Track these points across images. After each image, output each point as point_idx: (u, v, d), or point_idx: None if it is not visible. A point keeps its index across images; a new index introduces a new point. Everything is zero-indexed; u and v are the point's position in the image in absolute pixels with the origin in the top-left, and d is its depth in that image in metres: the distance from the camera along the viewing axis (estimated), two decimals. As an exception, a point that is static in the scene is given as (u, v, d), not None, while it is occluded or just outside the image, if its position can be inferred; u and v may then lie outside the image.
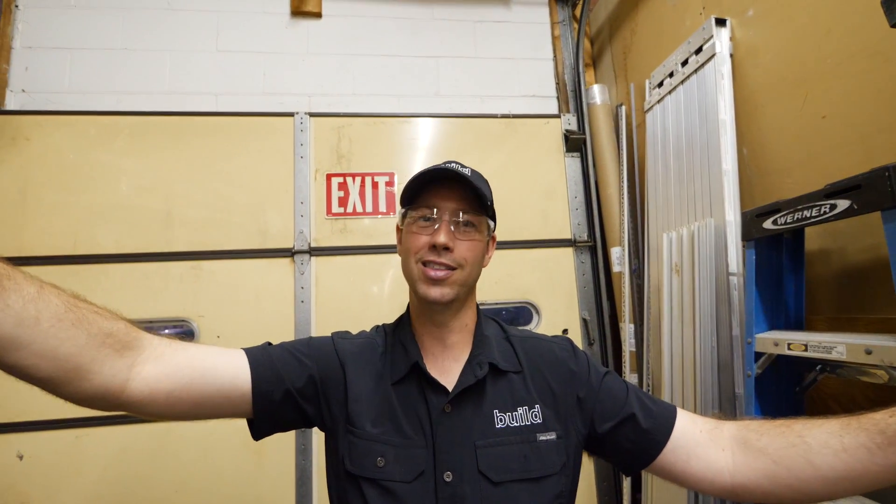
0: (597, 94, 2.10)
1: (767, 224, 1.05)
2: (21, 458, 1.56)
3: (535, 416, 0.71)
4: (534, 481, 0.68)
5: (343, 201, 1.88)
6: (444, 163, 0.75)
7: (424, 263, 0.70)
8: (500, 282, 1.93)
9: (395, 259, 1.93)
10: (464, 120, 2.05)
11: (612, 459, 0.76)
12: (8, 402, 1.57)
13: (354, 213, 1.88)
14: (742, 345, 1.19)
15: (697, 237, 1.33)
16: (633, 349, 1.79)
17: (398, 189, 1.94)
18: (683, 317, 1.36)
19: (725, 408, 1.23)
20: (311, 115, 1.93)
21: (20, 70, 1.83)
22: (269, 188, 1.85)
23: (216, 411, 0.65)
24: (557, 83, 2.25)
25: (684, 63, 1.53)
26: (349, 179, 1.90)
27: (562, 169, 2.10)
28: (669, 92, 1.59)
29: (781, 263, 1.11)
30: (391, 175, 1.94)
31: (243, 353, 0.68)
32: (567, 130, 2.10)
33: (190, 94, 1.92)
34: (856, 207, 0.85)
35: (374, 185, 1.91)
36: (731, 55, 1.40)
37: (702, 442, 0.68)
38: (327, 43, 2.08)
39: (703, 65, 1.44)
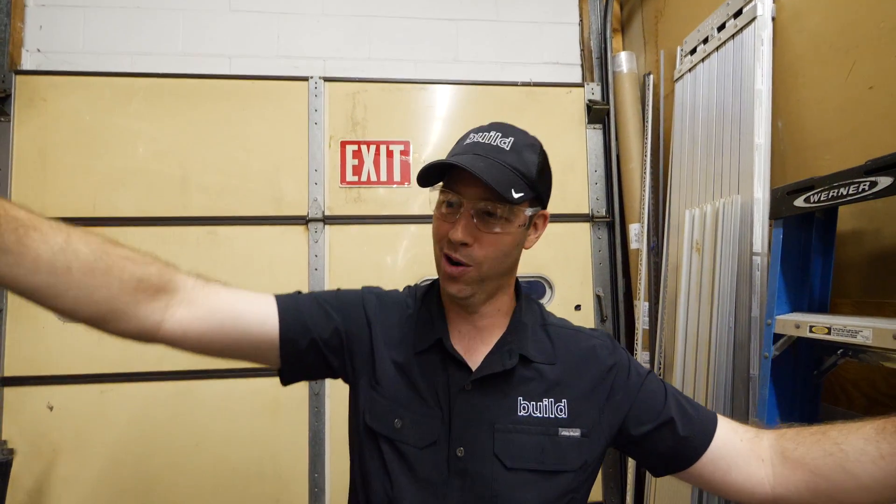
0: (623, 61, 2.00)
1: (799, 202, 1.00)
2: (51, 408, 1.64)
3: (561, 411, 0.68)
4: (547, 474, 0.65)
5: (357, 170, 1.85)
6: (487, 128, 0.68)
7: (445, 254, 0.66)
8: (513, 255, 1.91)
9: (409, 230, 1.92)
10: (482, 87, 1.98)
11: (643, 461, 0.73)
12: (39, 356, 1.64)
13: (369, 181, 1.85)
14: (761, 326, 1.16)
15: (722, 214, 1.27)
16: (647, 327, 1.77)
17: (413, 158, 1.91)
18: (701, 296, 1.32)
19: (738, 389, 1.21)
20: (326, 79, 1.89)
21: (35, 29, 1.81)
22: (283, 154, 1.83)
23: (245, 355, 0.66)
24: (582, 50, 2.14)
25: (721, 28, 1.44)
26: (364, 147, 1.87)
27: (583, 141, 2.03)
28: (703, 59, 1.50)
29: (810, 244, 1.06)
30: (406, 144, 1.90)
31: (273, 299, 0.67)
32: (590, 100, 2.02)
33: (203, 55, 1.88)
34: (899, 186, 0.80)
35: (389, 154, 1.87)
36: (774, 18, 1.31)
37: (743, 453, 0.65)
38: (343, 3, 2.01)
39: (741, 29, 1.34)
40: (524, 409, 0.67)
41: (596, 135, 2.03)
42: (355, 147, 1.86)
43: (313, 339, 0.68)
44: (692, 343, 1.35)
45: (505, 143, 0.67)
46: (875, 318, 0.88)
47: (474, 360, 0.69)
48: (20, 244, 0.46)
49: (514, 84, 2.00)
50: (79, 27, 1.83)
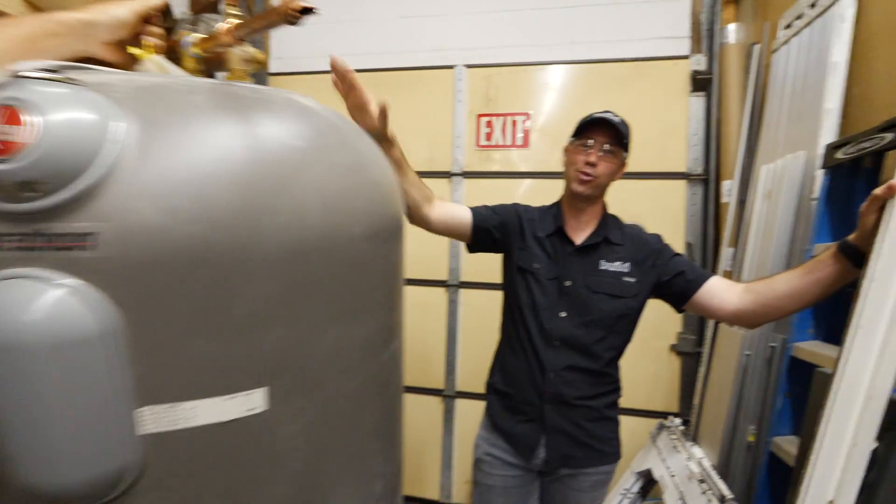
0: (731, 33, 2.19)
1: (839, 154, 1.29)
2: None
3: (625, 268, 1.23)
4: (615, 297, 1.21)
5: (489, 136, 2.41)
6: (604, 112, 1.23)
7: (579, 171, 1.22)
8: (610, 207, 2.31)
9: (526, 182, 2.43)
10: (593, 65, 2.35)
11: (670, 299, 1.24)
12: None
13: (497, 145, 2.41)
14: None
15: (789, 166, 1.55)
16: (729, 269, 2.06)
17: (531, 126, 2.39)
18: (765, 235, 1.62)
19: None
20: (467, 66, 2.45)
21: (276, 41, 2.67)
22: (434, 125, 2.46)
23: (457, 235, 1.31)
24: (692, 23, 2.36)
25: (812, 5, 1.64)
26: (494, 119, 2.41)
27: (684, 108, 2.30)
28: (795, 33, 1.71)
29: (853, 188, 1.33)
30: (527, 115, 2.39)
31: (470, 209, 1.31)
32: (694, 71, 2.26)
33: (381, 53, 2.56)
34: (897, 139, 1.09)
35: (514, 124, 2.39)
36: (860, -3, 1.49)
37: (723, 289, 1.14)
38: (481, 2, 2.51)
39: (829, 7, 1.55)
40: (603, 265, 1.23)
41: (698, 102, 2.28)
42: (488, 119, 2.41)
43: (487, 228, 1.30)
44: (753, 275, 1.67)
45: (616, 119, 1.22)
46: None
47: (578, 238, 1.26)
48: (403, 172, 1.11)
49: (623, 60, 2.33)
50: (302, 37, 2.64)
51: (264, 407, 0.62)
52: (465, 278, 2.45)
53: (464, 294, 2.45)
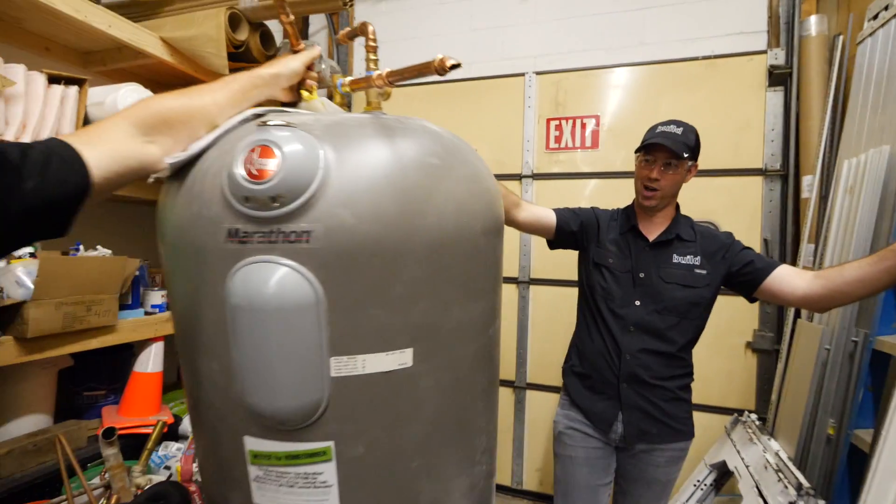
0: (812, 25, 2.15)
1: (927, 149, 1.29)
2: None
3: (696, 261, 1.33)
4: (686, 287, 1.31)
5: (558, 139, 2.53)
6: (667, 123, 1.33)
7: (644, 185, 1.35)
8: (683, 204, 2.34)
9: (593, 182, 2.52)
10: (664, 65, 2.39)
11: (741, 289, 1.33)
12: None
13: (566, 147, 2.51)
14: (895, 250, 1.45)
15: (872, 160, 1.54)
16: (809, 265, 2.03)
17: (600, 127, 2.48)
18: (846, 230, 1.62)
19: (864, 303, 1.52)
20: (537, 73, 2.58)
21: (358, 60, 2.95)
22: (504, 131, 2.62)
23: (541, 234, 1.48)
24: (769, 17, 2.33)
25: (902, -4, 1.61)
26: (563, 122, 2.52)
27: (761, 103, 2.28)
28: (882, 24, 1.68)
29: (943, 182, 1.33)
30: (597, 117, 2.48)
31: (553, 211, 1.47)
32: (772, 66, 2.24)
33: (454, 65, 2.76)
34: None
35: (583, 126, 2.49)
36: (958, -16, 1.46)
37: (791, 276, 1.22)
38: (549, 10, 2.62)
39: (920, -3, 1.52)
40: (676, 259, 1.34)
41: (776, 96, 2.26)
42: (557, 122, 2.53)
43: (570, 228, 1.45)
44: (836, 268, 1.66)
45: (679, 131, 1.32)
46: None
47: (651, 236, 1.38)
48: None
49: (695, 59, 2.35)
50: (381, 55, 2.89)
51: (411, 363, 0.82)
52: (534, 275, 2.58)
53: (533, 290, 2.58)
